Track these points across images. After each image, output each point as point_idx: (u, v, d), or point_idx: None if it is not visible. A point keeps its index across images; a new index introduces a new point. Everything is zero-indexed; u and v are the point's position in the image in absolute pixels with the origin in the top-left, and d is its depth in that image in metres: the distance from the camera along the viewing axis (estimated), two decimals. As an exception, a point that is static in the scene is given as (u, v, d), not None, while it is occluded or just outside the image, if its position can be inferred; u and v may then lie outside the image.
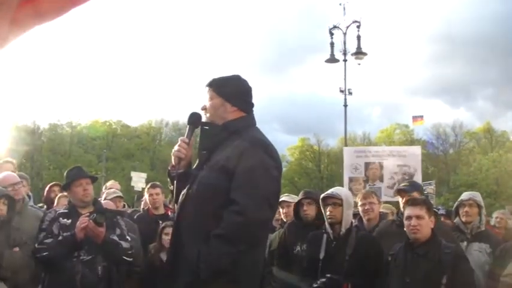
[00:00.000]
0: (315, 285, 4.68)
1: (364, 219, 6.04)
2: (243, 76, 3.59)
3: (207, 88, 3.49)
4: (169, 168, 3.54)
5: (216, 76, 3.54)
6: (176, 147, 3.44)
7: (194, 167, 3.50)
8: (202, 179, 3.30)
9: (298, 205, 5.79)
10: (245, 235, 3.14)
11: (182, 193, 3.39)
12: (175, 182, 3.42)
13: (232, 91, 3.47)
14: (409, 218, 4.57)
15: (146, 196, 7.16)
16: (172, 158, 3.44)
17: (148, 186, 7.24)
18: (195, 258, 3.11)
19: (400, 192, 5.72)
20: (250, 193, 3.15)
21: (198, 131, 3.60)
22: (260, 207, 3.18)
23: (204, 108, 3.48)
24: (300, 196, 5.87)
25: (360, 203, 6.10)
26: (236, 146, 3.28)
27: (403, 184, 6.07)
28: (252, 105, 3.55)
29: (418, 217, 4.54)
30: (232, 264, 3.09)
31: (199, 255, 3.10)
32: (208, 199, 3.23)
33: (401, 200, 5.65)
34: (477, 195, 5.84)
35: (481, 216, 5.61)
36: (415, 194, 5.54)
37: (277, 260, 5.73)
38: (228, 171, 3.21)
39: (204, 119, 3.49)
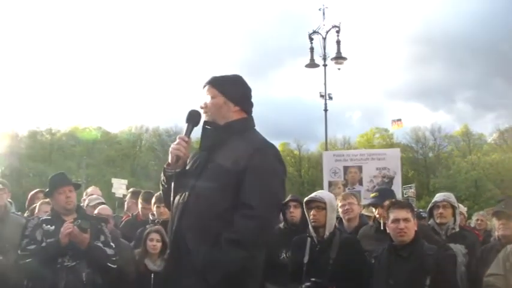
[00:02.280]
0: (299, 289, 4.70)
1: (344, 220, 6.07)
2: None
3: (208, 86, 3.36)
4: (165, 166, 3.40)
5: (217, 74, 3.42)
6: (175, 145, 3.31)
7: (191, 166, 3.36)
8: (207, 182, 3.18)
9: (284, 207, 5.79)
10: (259, 240, 3.10)
11: (182, 194, 3.26)
12: (172, 181, 3.30)
13: (236, 91, 3.37)
14: (397, 220, 4.58)
15: (140, 206, 7.07)
16: (170, 155, 3.31)
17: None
18: (201, 261, 3.02)
19: (372, 205, 5.73)
20: (264, 197, 3.07)
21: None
22: (272, 211, 3.18)
23: (204, 107, 3.35)
24: (287, 198, 5.88)
25: (339, 204, 6.12)
26: (244, 149, 3.18)
27: (372, 195, 6.02)
28: (252, 106, 3.45)
29: (406, 220, 4.57)
30: (242, 268, 3.02)
31: (206, 258, 3.01)
32: (214, 202, 3.12)
33: (374, 210, 5.66)
34: (451, 196, 5.81)
35: (455, 217, 5.61)
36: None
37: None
38: (236, 174, 3.11)
39: (202, 118, 3.37)
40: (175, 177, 3.29)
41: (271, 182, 3.15)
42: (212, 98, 3.33)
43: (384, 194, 5.78)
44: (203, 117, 3.37)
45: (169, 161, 3.34)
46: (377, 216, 5.58)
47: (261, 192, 3.07)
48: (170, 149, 3.33)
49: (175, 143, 3.33)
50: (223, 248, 2.99)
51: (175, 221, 3.27)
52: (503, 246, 4.76)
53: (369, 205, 5.76)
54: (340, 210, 6.12)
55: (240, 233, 3.00)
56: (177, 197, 3.28)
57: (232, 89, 3.36)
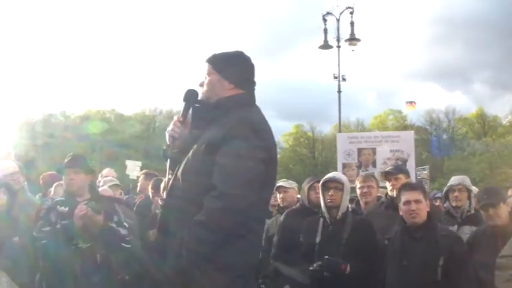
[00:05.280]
0: (311, 268, 4.71)
1: (362, 202, 6.08)
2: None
3: (206, 63, 3.30)
4: (164, 147, 3.34)
5: (217, 52, 3.34)
6: (170, 126, 3.29)
7: (185, 147, 3.26)
8: (188, 162, 3.12)
9: (309, 189, 5.78)
10: (225, 222, 2.92)
11: (171, 176, 3.24)
12: (168, 163, 3.27)
13: (231, 67, 3.26)
14: (408, 202, 4.63)
15: (150, 194, 7.07)
16: (167, 137, 3.29)
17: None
18: (178, 244, 2.97)
19: (386, 175, 5.80)
20: (229, 177, 2.93)
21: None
22: (240, 191, 2.93)
23: (201, 85, 3.30)
24: (312, 180, 5.86)
25: (358, 186, 6.13)
26: (221, 126, 3.05)
27: (388, 168, 6.11)
28: (252, 83, 3.33)
29: (417, 201, 4.62)
30: (215, 251, 2.94)
31: (182, 242, 2.95)
32: (193, 183, 3.05)
33: (388, 184, 5.75)
34: (466, 179, 5.81)
35: (470, 200, 5.62)
36: (401, 176, 5.65)
37: (278, 248, 5.67)
38: (211, 153, 3.00)
39: (200, 96, 3.30)
40: (170, 159, 3.26)
41: (241, 159, 2.96)
42: (208, 75, 3.27)
43: (399, 168, 5.98)
44: (200, 96, 3.30)
45: (167, 142, 3.30)
46: (389, 188, 5.65)
47: (228, 172, 2.95)
48: (167, 130, 3.30)
49: (171, 123, 3.30)
50: (192, 231, 2.93)
51: (163, 204, 3.25)
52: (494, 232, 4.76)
53: (385, 174, 5.81)
54: (358, 191, 6.14)
55: (205, 215, 2.92)
56: (170, 179, 3.26)
57: (228, 67, 3.27)
